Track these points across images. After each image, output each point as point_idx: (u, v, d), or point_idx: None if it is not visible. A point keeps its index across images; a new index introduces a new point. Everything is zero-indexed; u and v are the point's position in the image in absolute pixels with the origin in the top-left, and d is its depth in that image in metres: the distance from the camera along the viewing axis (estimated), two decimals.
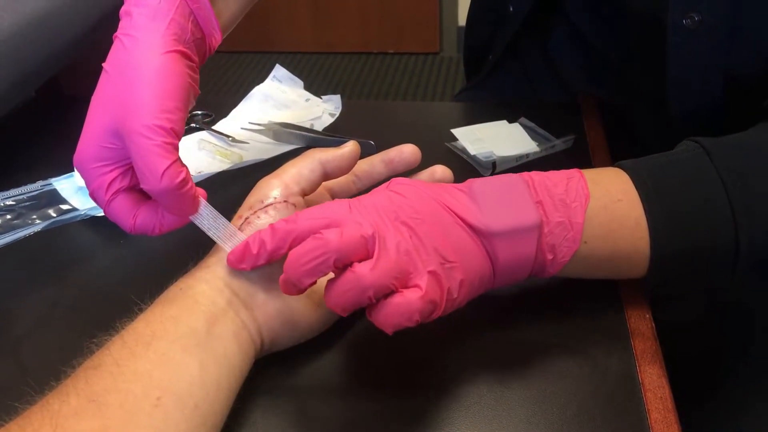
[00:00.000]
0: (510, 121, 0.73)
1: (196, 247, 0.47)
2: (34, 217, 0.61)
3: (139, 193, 0.46)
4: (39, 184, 0.65)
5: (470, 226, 0.42)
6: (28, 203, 0.62)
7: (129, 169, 0.44)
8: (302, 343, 0.46)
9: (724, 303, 0.67)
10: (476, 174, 0.67)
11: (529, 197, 0.43)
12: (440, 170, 0.53)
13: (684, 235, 0.45)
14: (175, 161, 0.42)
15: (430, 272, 0.39)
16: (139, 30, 0.44)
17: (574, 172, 0.46)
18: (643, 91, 0.69)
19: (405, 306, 0.38)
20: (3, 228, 0.59)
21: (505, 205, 0.43)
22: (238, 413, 0.42)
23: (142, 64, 0.43)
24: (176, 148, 0.43)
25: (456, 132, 0.71)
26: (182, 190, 0.42)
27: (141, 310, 0.42)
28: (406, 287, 0.39)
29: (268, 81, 0.80)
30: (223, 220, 0.45)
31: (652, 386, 0.44)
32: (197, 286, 0.43)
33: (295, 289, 0.40)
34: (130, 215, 0.45)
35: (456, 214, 0.42)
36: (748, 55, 0.55)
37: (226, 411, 0.40)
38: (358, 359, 0.47)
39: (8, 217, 0.60)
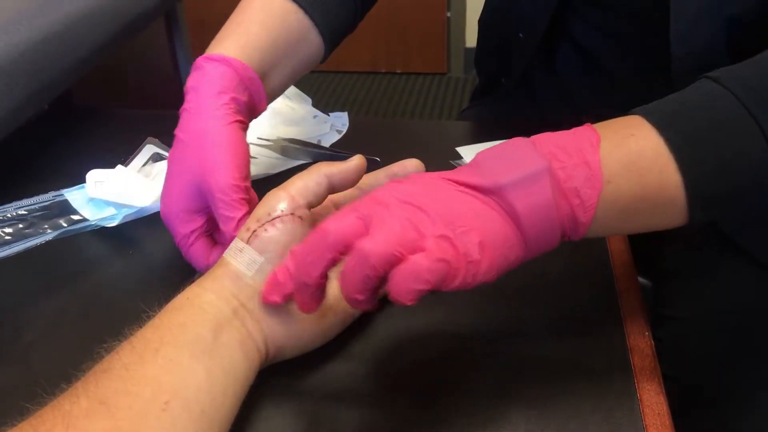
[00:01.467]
0: None
1: None
2: (46, 226, 0.62)
3: (211, 238, 0.55)
4: (51, 194, 0.66)
5: (477, 189, 0.41)
6: (39, 213, 0.63)
7: (207, 217, 0.54)
8: (307, 352, 0.47)
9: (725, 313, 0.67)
10: None
11: (534, 150, 0.42)
12: None
13: (710, 150, 0.42)
14: (246, 212, 0.51)
15: (438, 236, 0.38)
16: (205, 105, 0.54)
17: (578, 127, 0.44)
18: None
19: (412, 267, 0.37)
20: (15, 237, 0.60)
21: (508, 162, 0.41)
22: (243, 420, 0.43)
23: (213, 133, 0.53)
24: (247, 201, 0.52)
25: (461, 150, 0.72)
26: None
27: (149, 318, 0.42)
28: (416, 252, 0.38)
29: (277, 98, 0.81)
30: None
31: (650, 402, 0.45)
32: (204, 295, 0.44)
33: (308, 291, 0.41)
34: (205, 257, 0.53)
35: (459, 182, 0.42)
36: None
37: (232, 417, 0.41)
38: (361, 369, 0.48)
39: (20, 226, 0.62)
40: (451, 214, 0.40)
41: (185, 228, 0.53)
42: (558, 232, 0.42)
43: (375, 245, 0.38)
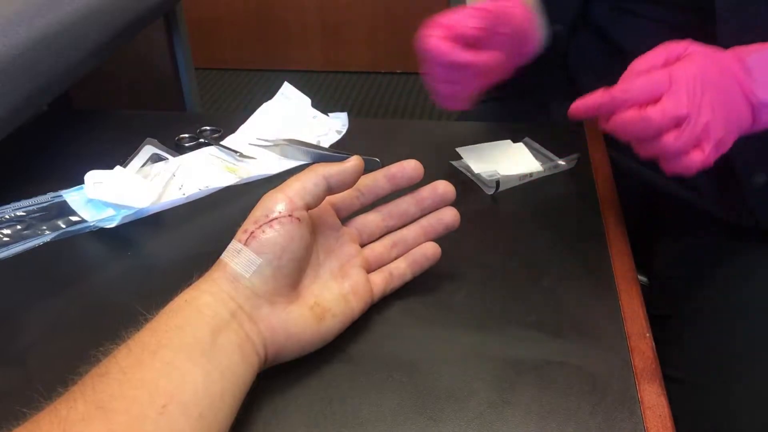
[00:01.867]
0: (514, 141, 0.74)
1: (200, 259, 0.48)
2: (44, 227, 0.61)
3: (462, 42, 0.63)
4: (49, 195, 0.66)
5: (748, 96, 0.53)
6: (38, 214, 0.63)
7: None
8: (305, 354, 0.47)
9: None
10: (479, 192, 0.68)
11: None
12: (442, 186, 0.53)
13: None
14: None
15: (717, 141, 0.52)
16: None
17: None
18: None
19: (687, 165, 0.52)
20: (13, 238, 0.60)
21: None
22: (242, 424, 0.43)
23: None
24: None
25: (461, 150, 0.72)
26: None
27: (147, 320, 0.42)
28: (695, 148, 0.52)
29: (276, 98, 0.81)
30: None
31: (651, 404, 0.45)
32: (202, 297, 0.43)
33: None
34: (442, 42, 0.63)
35: (742, 85, 0.54)
36: None
37: (230, 421, 0.40)
38: (360, 373, 0.47)
39: (18, 227, 0.61)
40: (730, 117, 0.53)
41: (460, 18, 0.63)
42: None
43: (680, 145, 0.51)
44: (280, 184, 0.48)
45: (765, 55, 0.55)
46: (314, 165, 0.48)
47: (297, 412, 0.45)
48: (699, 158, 0.52)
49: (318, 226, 0.50)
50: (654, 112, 0.51)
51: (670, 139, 0.51)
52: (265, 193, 0.47)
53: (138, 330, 0.41)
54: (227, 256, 0.45)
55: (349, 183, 0.49)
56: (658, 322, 0.70)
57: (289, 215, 0.45)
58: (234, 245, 0.45)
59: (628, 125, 0.53)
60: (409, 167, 0.52)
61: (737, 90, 0.54)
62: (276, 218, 0.45)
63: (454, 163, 0.72)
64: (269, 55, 3.04)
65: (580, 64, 0.82)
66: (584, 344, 0.49)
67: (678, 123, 0.51)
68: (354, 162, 0.48)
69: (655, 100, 0.52)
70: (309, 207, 0.47)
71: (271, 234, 0.45)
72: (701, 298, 0.69)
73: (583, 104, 0.56)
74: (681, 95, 0.51)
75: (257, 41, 3.06)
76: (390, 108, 2.77)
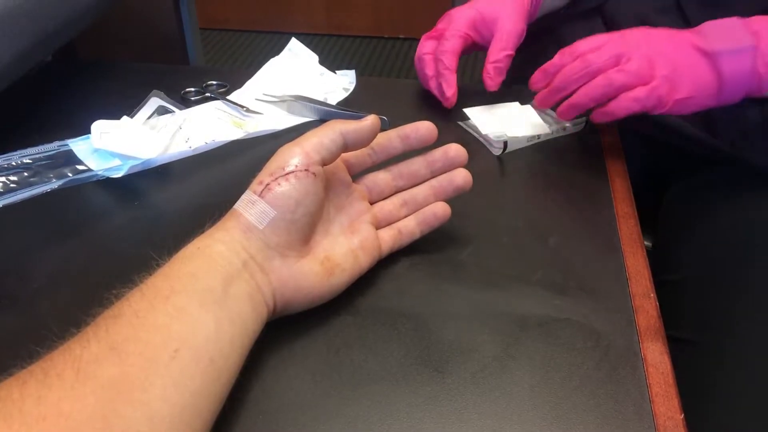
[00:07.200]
0: (522, 103, 0.74)
1: (207, 210, 0.48)
2: (51, 175, 0.61)
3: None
4: (56, 144, 0.65)
5: (701, 51, 0.59)
6: (44, 162, 0.63)
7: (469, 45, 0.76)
8: (314, 307, 0.47)
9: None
10: (487, 153, 0.68)
11: (745, 28, 0.59)
12: (454, 149, 0.53)
13: None
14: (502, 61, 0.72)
15: (663, 76, 0.59)
16: None
17: None
18: None
19: (635, 94, 0.59)
20: (20, 184, 0.60)
21: (725, 35, 0.60)
22: (250, 371, 0.43)
23: (506, 7, 0.74)
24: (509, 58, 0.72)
25: (468, 111, 0.71)
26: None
27: (159, 266, 0.42)
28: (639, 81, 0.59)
29: (283, 54, 0.81)
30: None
31: (654, 362, 0.45)
32: (215, 246, 0.43)
33: (575, 111, 0.64)
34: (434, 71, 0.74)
35: (693, 45, 0.60)
36: None
37: (239, 367, 0.41)
38: (367, 325, 0.48)
39: (25, 174, 0.61)
40: (679, 63, 0.60)
41: (451, 45, 0.73)
42: (744, 93, 0.60)
43: (621, 77, 0.59)
44: (286, 140, 0.47)
45: (715, 25, 0.61)
46: (332, 121, 0.48)
47: (304, 362, 0.45)
48: (643, 93, 0.59)
49: (330, 181, 0.50)
50: (592, 55, 0.61)
51: (615, 76, 0.59)
52: (271, 148, 0.47)
53: (150, 275, 0.41)
54: (241, 206, 0.45)
55: (365, 141, 0.49)
56: (659, 287, 0.71)
57: (305, 169, 0.45)
58: (249, 196, 0.45)
59: (594, 91, 0.61)
60: (423, 128, 0.52)
61: (687, 45, 0.60)
62: (292, 172, 0.45)
63: (461, 123, 0.72)
64: (272, 17, 3.01)
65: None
66: (589, 303, 0.50)
67: (617, 61, 0.60)
68: (371, 120, 0.48)
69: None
70: (325, 162, 0.47)
71: (286, 187, 0.44)
72: (703, 258, 0.69)
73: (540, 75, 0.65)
74: (619, 41, 0.61)
75: (260, 2, 3.02)
76: (392, 73, 2.75)
